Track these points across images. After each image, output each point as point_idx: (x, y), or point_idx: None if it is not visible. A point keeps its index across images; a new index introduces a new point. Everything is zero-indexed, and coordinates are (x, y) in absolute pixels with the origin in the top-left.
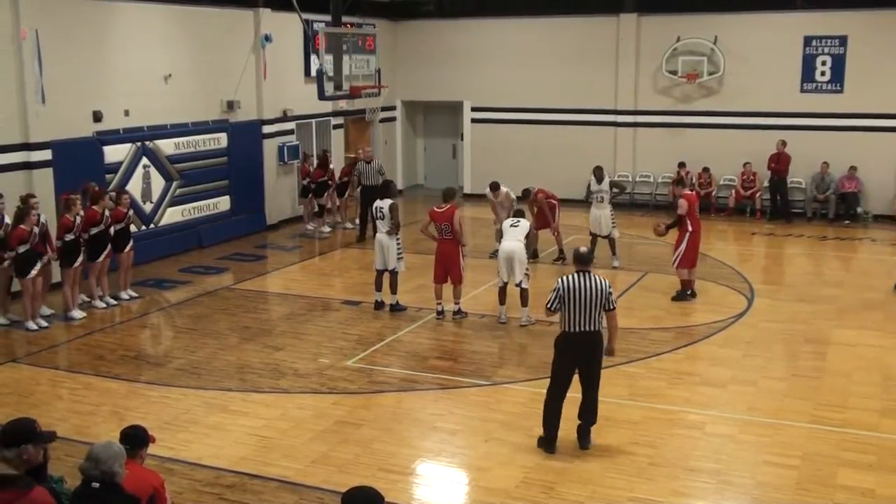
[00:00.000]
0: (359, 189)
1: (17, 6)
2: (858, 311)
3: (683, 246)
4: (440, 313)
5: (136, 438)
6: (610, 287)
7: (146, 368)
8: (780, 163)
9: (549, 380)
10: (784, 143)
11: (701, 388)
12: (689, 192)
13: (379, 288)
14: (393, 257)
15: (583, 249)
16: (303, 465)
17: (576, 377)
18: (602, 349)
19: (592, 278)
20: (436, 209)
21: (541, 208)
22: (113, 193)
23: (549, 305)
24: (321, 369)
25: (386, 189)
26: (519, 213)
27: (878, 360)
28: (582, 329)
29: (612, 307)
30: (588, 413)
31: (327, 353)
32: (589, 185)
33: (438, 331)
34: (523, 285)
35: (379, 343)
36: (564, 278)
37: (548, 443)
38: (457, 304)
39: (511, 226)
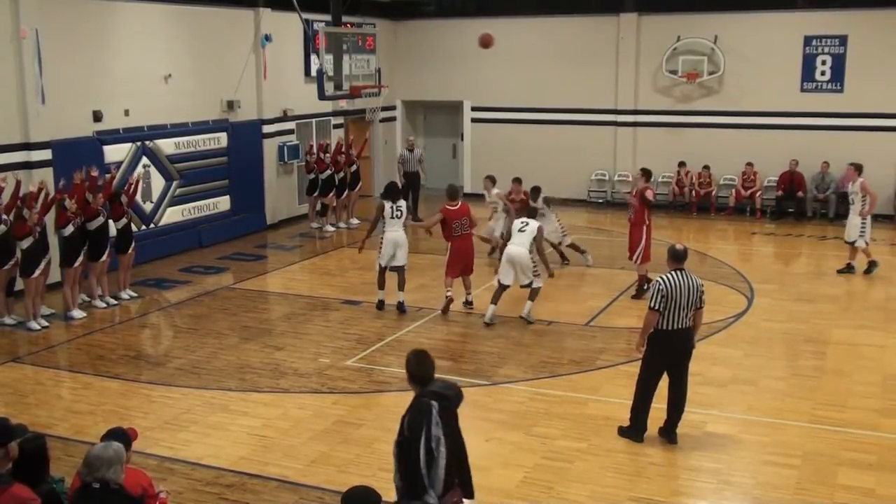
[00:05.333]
0: (402, 175)
1: (17, 6)
2: (858, 310)
3: (643, 241)
4: (469, 303)
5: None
6: (702, 285)
7: (146, 368)
8: (794, 181)
9: (638, 374)
10: (796, 163)
11: (701, 387)
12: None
13: (382, 286)
14: (406, 253)
15: (679, 247)
16: (303, 464)
17: None
18: (693, 345)
19: (689, 276)
20: (448, 207)
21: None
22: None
23: (655, 307)
24: (321, 369)
25: (396, 191)
26: (531, 214)
27: (878, 360)
28: (679, 326)
29: (702, 305)
30: (677, 409)
31: (327, 352)
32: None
33: (439, 330)
34: (534, 285)
35: (379, 343)
36: (664, 277)
37: (639, 432)
38: (468, 293)
39: (519, 230)
